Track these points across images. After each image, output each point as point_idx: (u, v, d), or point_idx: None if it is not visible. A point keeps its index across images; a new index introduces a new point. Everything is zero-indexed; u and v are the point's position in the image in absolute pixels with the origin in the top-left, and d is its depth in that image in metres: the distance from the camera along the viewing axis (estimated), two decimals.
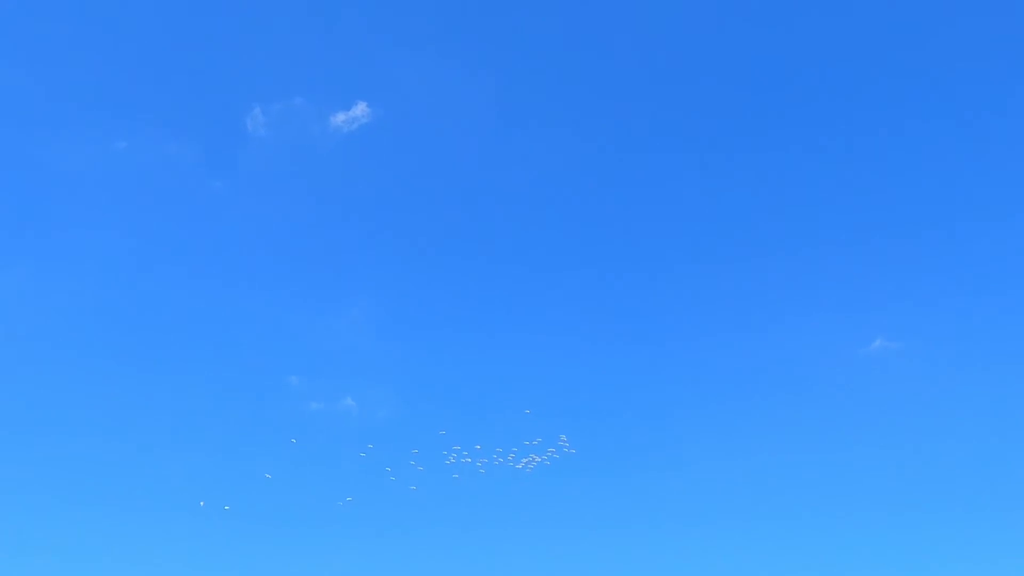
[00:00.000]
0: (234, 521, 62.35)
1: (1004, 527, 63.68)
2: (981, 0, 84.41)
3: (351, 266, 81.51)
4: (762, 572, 63.07)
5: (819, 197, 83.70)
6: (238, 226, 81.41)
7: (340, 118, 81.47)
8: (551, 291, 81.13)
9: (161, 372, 72.54)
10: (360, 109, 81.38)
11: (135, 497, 64.41)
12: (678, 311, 79.90)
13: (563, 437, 56.40)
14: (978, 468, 67.60)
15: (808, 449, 70.39)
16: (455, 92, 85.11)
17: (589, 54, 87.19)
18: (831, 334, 77.33)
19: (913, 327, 76.58)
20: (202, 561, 61.73)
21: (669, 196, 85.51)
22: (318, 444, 69.61)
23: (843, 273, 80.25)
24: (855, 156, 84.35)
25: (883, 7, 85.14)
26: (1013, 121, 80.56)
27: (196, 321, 76.22)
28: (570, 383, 75.44)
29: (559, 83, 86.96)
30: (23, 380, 69.80)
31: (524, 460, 54.58)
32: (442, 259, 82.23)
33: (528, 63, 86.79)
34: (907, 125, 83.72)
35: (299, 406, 72.26)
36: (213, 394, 72.30)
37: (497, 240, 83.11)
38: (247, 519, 63.40)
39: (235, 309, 77.73)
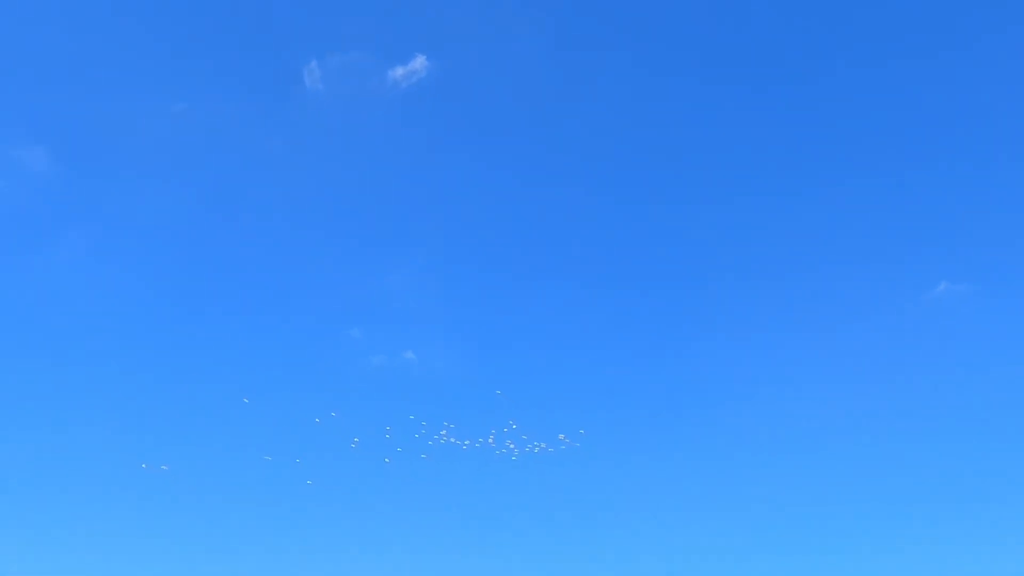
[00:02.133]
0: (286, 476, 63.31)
1: None
2: None
3: (411, 220, 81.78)
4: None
5: (879, 136, 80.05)
6: (296, 181, 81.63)
7: (398, 72, 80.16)
8: (615, 242, 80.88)
9: (223, 327, 74.78)
10: (419, 62, 79.95)
11: (199, 447, 66.47)
12: (740, 251, 78.51)
13: (563, 436, 55.28)
14: None
15: (871, 399, 68.68)
16: (516, 45, 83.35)
17: (648, 22, 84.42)
18: (892, 278, 74.75)
19: (980, 269, 73.34)
20: (255, 514, 63.54)
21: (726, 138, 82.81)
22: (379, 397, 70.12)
23: (904, 214, 77.42)
24: (917, 94, 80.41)
25: None
26: None
27: (257, 276, 77.75)
28: (612, 364, 74.95)
29: (621, 37, 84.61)
30: (88, 333, 72.02)
31: (509, 443, 53.54)
32: (502, 213, 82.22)
33: (592, 17, 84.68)
34: (971, 64, 79.29)
35: (360, 359, 73.40)
36: (275, 346, 74.14)
37: (559, 193, 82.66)
38: (307, 472, 63.64)
39: (296, 263, 79.06)
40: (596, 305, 77.96)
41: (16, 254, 74.74)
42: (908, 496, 63.77)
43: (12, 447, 64.43)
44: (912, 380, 69.64)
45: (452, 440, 53.07)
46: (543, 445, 53.30)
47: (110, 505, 62.76)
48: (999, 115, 77.22)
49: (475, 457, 55.67)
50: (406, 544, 61.97)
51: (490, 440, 52.79)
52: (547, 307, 77.95)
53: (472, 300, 78.46)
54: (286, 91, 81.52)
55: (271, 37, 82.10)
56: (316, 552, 61.18)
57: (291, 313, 76.14)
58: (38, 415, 66.68)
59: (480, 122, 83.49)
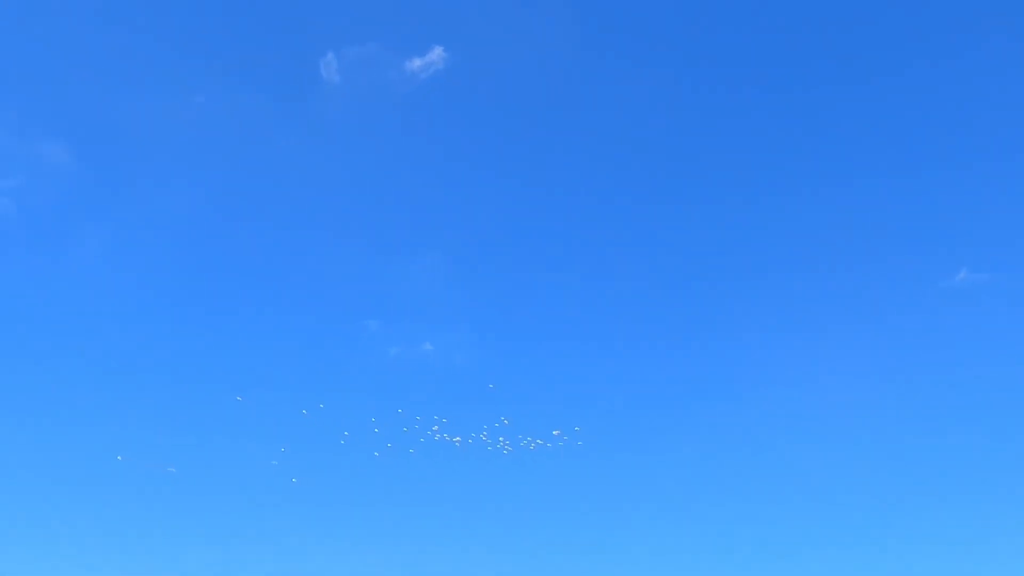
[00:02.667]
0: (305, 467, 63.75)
1: None
2: None
3: (427, 212, 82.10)
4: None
5: (901, 125, 79.28)
6: (313, 174, 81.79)
7: (416, 63, 79.91)
8: (635, 236, 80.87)
9: (240, 320, 75.50)
10: (436, 54, 79.50)
11: (219, 437, 67.05)
12: (762, 243, 78.56)
13: (557, 432, 54.87)
14: None
15: (890, 388, 68.50)
16: (534, 35, 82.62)
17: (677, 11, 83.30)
18: (912, 266, 74.36)
19: (1000, 257, 72.89)
20: (266, 505, 63.74)
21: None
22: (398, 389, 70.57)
23: (924, 202, 76.82)
24: (938, 83, 79.03)
25: None
26: None
27: (275, 268, 78.43)
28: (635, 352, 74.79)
29: (641, 26, 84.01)
30: (108, 327, 72.70)
31: (501, 439, 53.25)
32: (519, 205, 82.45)
33: (611, 7, 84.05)
34: (995, 51, 77.62)
35: (378, 351, 73.88)
36: (293, 339, 74.73)
37: (575, 186, 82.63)
38: (326, 465, 64.70)
39: (313, 256, 79.59)
40: (619, 301, 78.21)
41: (38, 248, 76.47)
42: (928, 488, 63.51)
43: (35, 441, 66.08)
44: (932, 369, 69.49)
45: (444, 436, 53.01)
46: (539, 441, 53.17)
47: (133, 501, 63.39)
48: (1021, 104, 75.60)
49: (472, 451, 55.79)
50: (413, 539, 62.52)
51: (482, 436, 52.76)
52: (567, 301, 78.38)
53: (490, 292, 78.83)
54: (303, 84, 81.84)
55: (288, 30, 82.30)
56: (318, 546, 61.83)
57: (308, 305, 76.95)
58: (57, 410, 67.77)
59: (498, 114, 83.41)
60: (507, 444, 52.55)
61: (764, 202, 79.75)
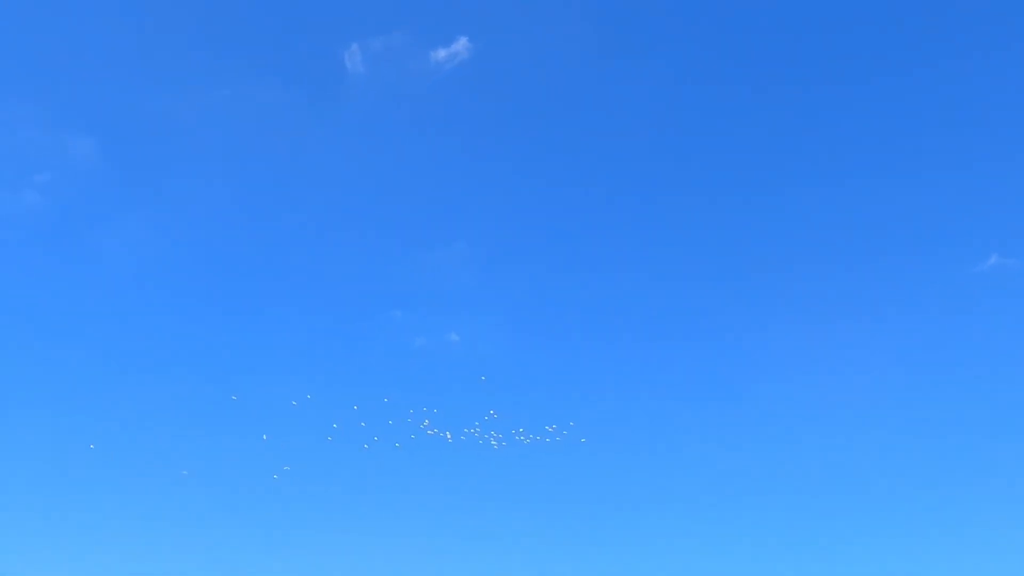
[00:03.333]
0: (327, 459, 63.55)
1: None
2: None
3: (453, 202, 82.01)
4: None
5: (933, 107, 77.84)
6: (338, 164, 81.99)
7: (440, 54, 79.79)
8: (663, 226, 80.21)
9: (267, 311, 75.76)
10: (461, 44, 79.35)
11: (245, 427, 66.48)
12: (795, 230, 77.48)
13: (552, 427, 54.18)
14: None
15: (919, 375, 67.93)
16: (559, 26, 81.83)
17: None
18: (942, 251, 73.65)
19: None
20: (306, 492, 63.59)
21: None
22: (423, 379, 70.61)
23: (955, 186, 75.55)
24: (961, 68, 77.56)
25: None
26: None
27: (300, 260, 78.73)
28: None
29: (668, 18, 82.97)
30: (136, 320, 73.53)
31: (495, 433, 52.70)
32: (545, 195, 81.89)
33: None
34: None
35: (403, 341, 73.91)
36: (318, 329, 75.01)
37: (601, 176, 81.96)
38: (349, 455, 63.52)
39: (339, 246, 79.68)
40: (646, 293, 77.25)
41: (68, 242, 77.20)
42: (955, 477, 62.58)
43: (55, 436, 66.48)
44: (961, 355, 68.62)
45: (435, 431, 52.74)
46: (535, 436, 52.58)
47: (142, 500, 63.42)
48: None
49: (466, 445, 55.30)
50: (422, 535, 62.24)
51: (474, 430, 52.34)
52: (594, 292, 77.71)
53: (516, 282, 78.46)
54: (327, 75, 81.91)
55: (312, 21, 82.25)
56: (316, 542, 61.99)
57: (334, 296, 77.12)
58: (81, 404, 68.41)
59: (523, 105, 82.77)
60: (498, 438, 52.12)
61: (788, 194, 78.82)
